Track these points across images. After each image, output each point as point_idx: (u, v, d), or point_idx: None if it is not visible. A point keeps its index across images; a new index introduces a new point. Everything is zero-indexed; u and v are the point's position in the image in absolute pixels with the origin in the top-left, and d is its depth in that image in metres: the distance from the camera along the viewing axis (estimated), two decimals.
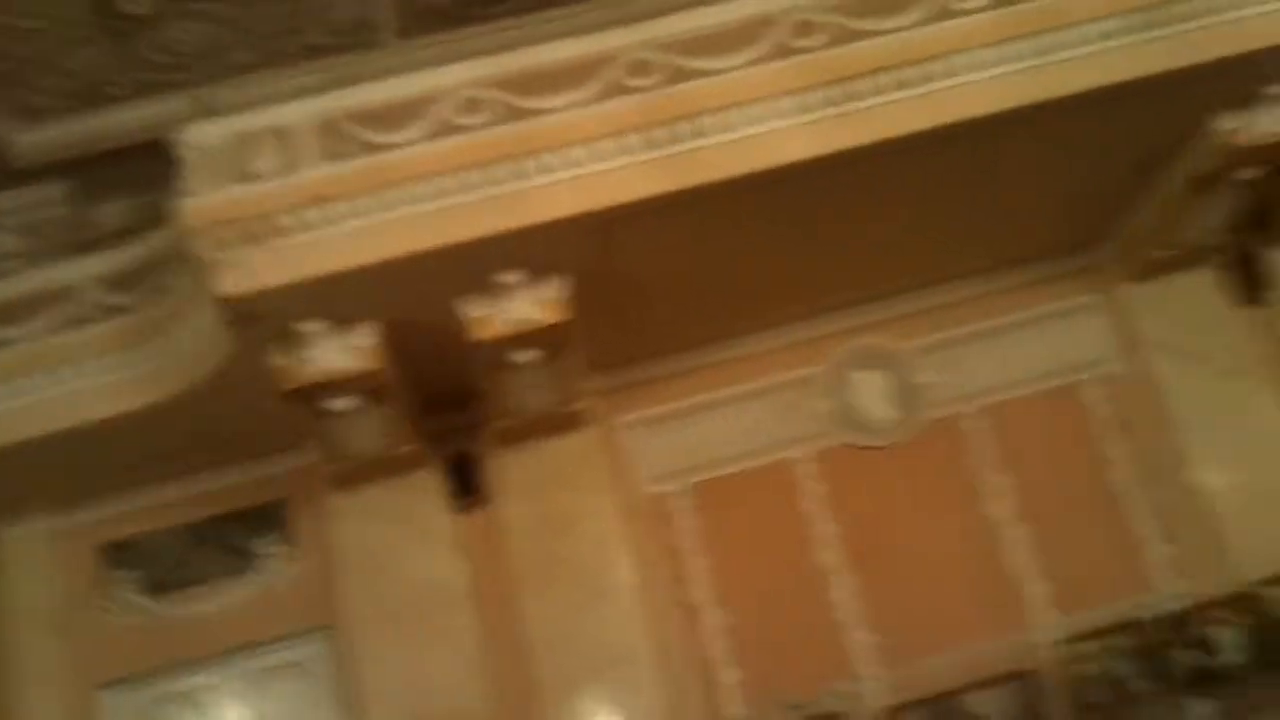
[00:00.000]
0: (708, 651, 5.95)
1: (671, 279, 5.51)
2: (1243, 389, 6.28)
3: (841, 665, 5.91)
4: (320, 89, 5.01)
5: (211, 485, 6.03)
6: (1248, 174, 5.76)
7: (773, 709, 5.74)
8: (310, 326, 4.92)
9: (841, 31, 5.02)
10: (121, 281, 5.56)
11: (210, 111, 5.33)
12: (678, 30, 5.01)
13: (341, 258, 4.69)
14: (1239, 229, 6.31)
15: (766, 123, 4.90)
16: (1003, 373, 6.38)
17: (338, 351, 4.99)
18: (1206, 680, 5.46)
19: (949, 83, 4.98)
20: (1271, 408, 6.26)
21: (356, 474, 5.82)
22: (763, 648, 5.93)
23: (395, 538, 5.84)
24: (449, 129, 4.83)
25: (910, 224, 5.73)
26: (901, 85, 4.96)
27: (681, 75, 4.94)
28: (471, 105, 4.87)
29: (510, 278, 5.01)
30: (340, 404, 5.21)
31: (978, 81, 4.99)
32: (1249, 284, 6.46)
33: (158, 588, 5.95)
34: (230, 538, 5.99)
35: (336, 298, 4.83)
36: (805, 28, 5.02)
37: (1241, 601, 5.55)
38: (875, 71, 4.95)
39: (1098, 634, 5.72)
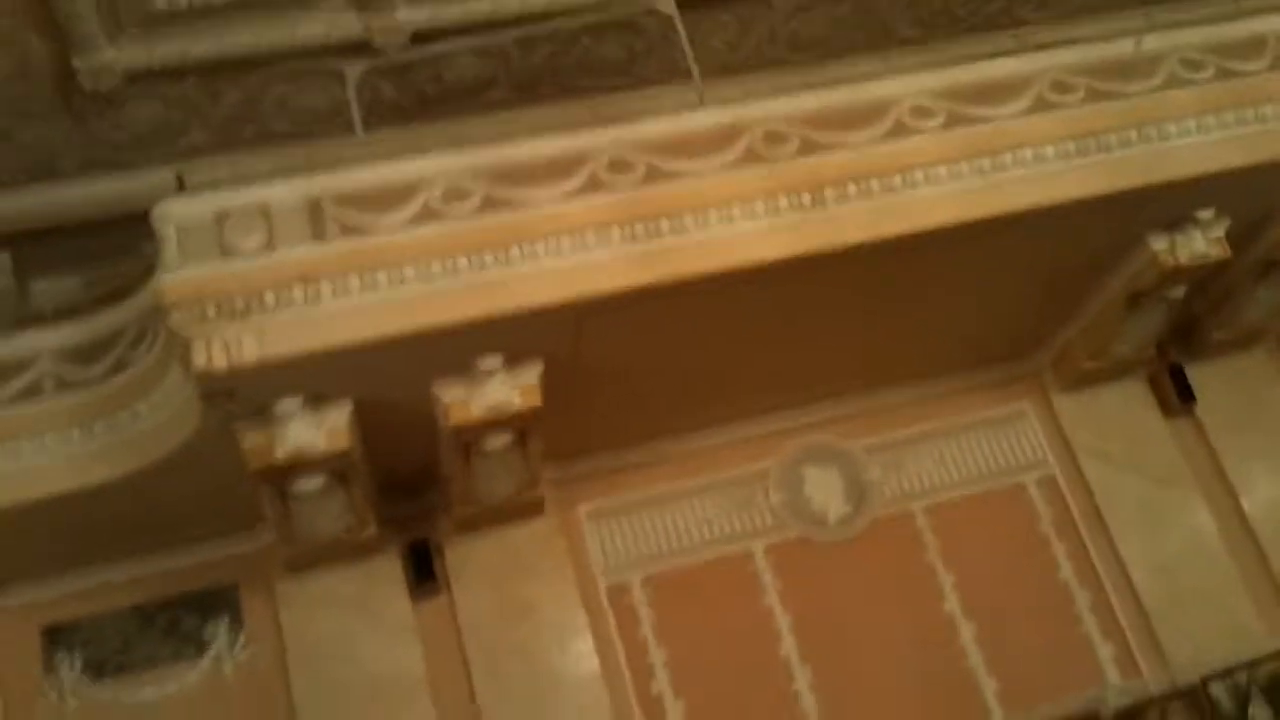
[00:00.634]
0: None
1: (633, 371, 5.59)
2: (1173, 497, 6.52)
3: None
4: (277, 175, 5.02)
5: (161, 566, 5.83)
6: (1177, 291, 6.07)
7: None
8: (285, 405, 4.89)
9: (808, 143, 5.28)
10: (78, 355, 5.41)
11: (182, 188, 5.33)
12: (655, 133, 5.20)
13: (324, 336, 4.68)
14: (1165, 343, 6.64)
15: (738, 224, 5.07)
16: (947, 473, 6.55)
17: (310, 430, 4.95)
18: None
19: (908, 195, 5.23)
20: (1202, 512, 6.50)
21: (312, 558, 5.72)
22: None
23: (350, 625, 5.72)
24: (432, 215, 4.92)
25: (862, 326, 5.94)
26: (864, 194, 5.20)
27: (658, 175, 5.12)
28: (456, 193, 4.97)
29: (488, 362, 5.07)
30: (307, 485, 5.15)
31: (933, 195, 5.25)
32: (1176, 395, 6.71)
33: (100, 671, 5.70)
34: (179, 621, 5.79)
35: (315, 376, 4.82)
36: (775, 137, 5.26)
37: (1190, 696, 5.71)
38: (841, 180, 5.18)
39: None
